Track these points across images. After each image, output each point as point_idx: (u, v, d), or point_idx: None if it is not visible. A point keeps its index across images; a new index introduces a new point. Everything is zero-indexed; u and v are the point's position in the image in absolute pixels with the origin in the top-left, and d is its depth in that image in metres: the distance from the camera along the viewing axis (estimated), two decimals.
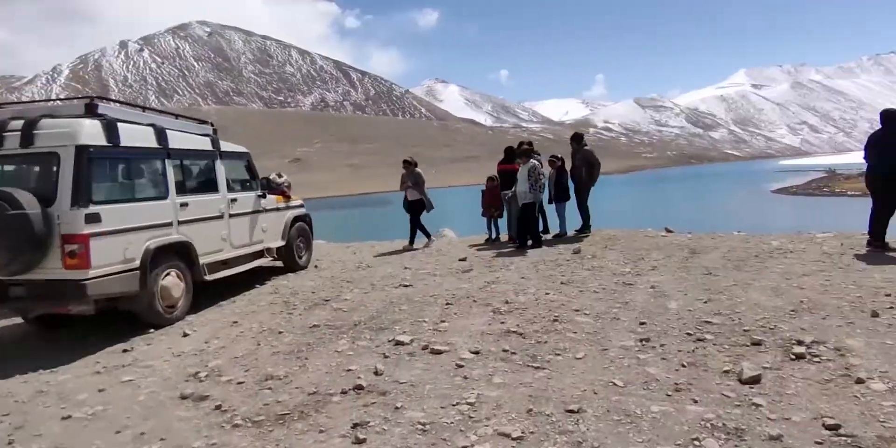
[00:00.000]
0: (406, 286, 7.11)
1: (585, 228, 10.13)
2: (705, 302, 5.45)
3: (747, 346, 4.26)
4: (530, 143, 10.37)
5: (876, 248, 7.45)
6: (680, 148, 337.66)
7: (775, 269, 6.74)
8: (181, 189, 6.60)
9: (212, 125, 7.93)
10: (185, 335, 5.75)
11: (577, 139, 10.22)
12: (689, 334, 4.58)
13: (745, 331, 4.55)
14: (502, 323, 5.26)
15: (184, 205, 6.54)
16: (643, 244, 8.93)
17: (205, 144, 7.33)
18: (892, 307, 4.85)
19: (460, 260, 8.71)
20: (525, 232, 9.47)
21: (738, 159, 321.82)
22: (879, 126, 7.49)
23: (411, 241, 10.55)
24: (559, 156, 10.52)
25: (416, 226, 10.50)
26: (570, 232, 10.25)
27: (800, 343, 4.17)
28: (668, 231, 10.09)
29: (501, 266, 8.10)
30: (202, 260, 6.72)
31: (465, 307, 5.91)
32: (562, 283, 6.72)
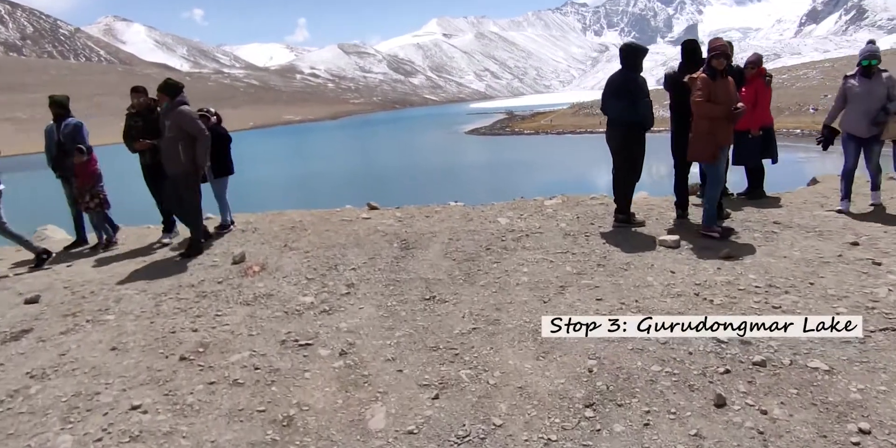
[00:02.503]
0: None
1: (192, 247, 5.90)
2: (435, 397, 2.90)
3: None
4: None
5: (620, 221, 5.91)
6: (384, 93, 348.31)
7: (521, 277, 4.59)
8: None
9: None
10: None
11: (170, 90, 5.79)
12: None
13: None
14: None
15: None
16: (339, 236, 6.21)
17: None
18: (727, 371, 2.88)
19: (28, 301, 4.92)
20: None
21: (436, 103, 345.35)
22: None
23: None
24: (212, 111, 7.02)
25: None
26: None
27: None
28: (372, 208, 7.57)
29: (98, 309, 4.59)
30: None
31: None
32: (182, 357, 3.59)
